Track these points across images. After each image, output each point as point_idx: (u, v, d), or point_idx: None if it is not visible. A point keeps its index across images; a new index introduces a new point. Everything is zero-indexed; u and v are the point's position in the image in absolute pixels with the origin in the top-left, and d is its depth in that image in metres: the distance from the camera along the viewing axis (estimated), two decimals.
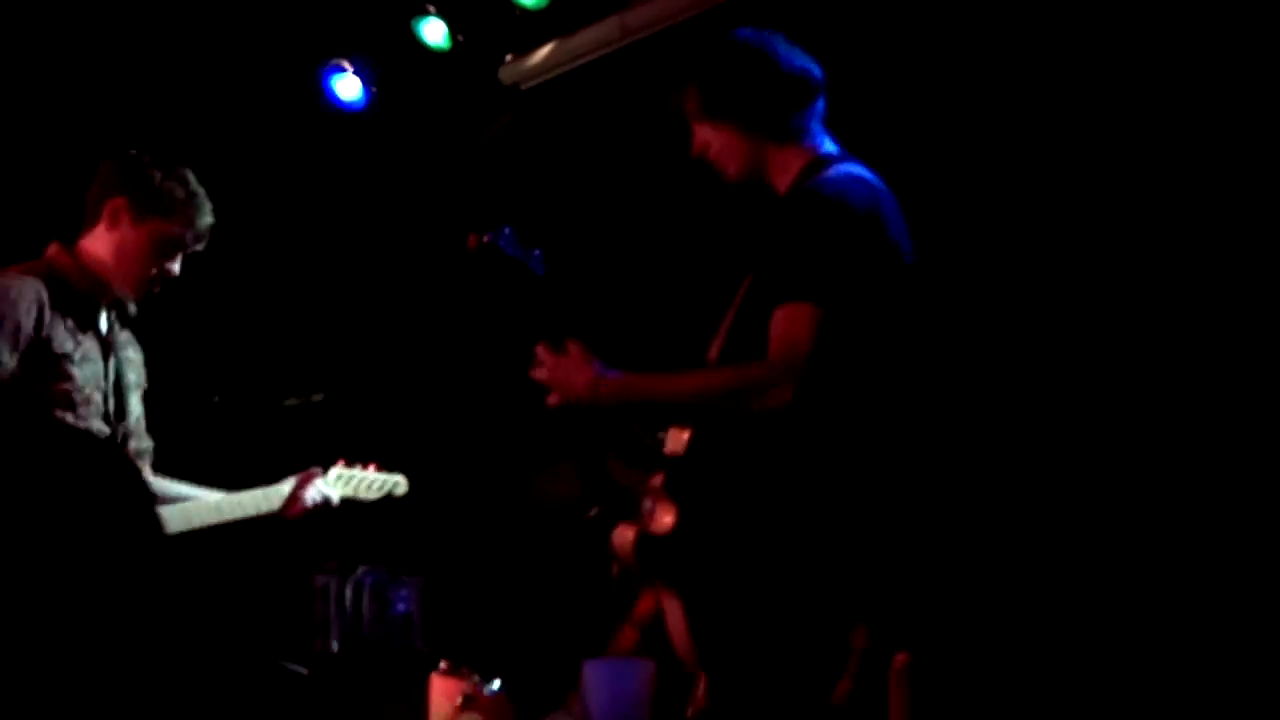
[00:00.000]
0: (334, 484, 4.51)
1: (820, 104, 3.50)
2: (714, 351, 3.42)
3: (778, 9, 5.18)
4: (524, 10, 5.89)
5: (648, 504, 3.32)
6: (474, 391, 6.24)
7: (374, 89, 6.36)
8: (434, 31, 6.11)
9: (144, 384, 4.30)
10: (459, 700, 4.64)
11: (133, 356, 4.26)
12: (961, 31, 4.83)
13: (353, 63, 6.34)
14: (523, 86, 6.15)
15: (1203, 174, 4.38)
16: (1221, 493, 4.23)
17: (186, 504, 4.23)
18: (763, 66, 3.44)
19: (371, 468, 4.62)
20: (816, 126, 3.48)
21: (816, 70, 3.51)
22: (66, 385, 3.93)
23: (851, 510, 3.16)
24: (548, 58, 6.02)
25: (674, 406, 3.32)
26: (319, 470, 4.46)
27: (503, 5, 5.90)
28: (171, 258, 4.11)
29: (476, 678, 4.70)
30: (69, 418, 3.92)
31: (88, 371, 3.99)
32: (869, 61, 4.85)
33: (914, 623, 3.17)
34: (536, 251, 3.63)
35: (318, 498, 4.42)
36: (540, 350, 3.42)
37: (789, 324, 3.13)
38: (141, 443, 4.26)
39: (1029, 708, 4.26)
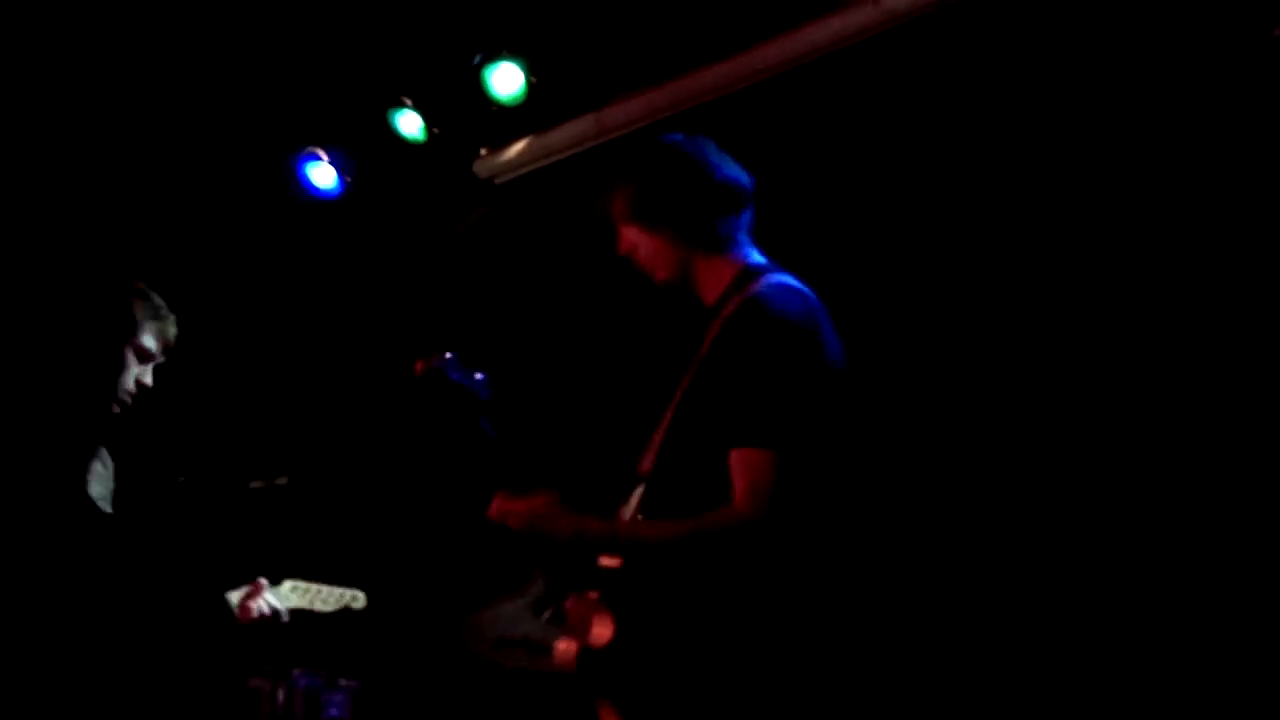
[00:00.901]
0: (288, 596, 4.45)
1: (749, 214, 3.52)
2: (647, 464, 3.42)
3: (752, 113, 5.33)
4: (500, 105, 5.95)
5: (583, 617, 3.32)
6: (420, 496, 6.25)
7: (349, 178, 6.40)
8: (410, 123, 6.18)
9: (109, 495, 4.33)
10: None
11: (106, 467, 4.27)
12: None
13: (328, 151, 6.38)
14: (497, 181, 6.22)
15: (1198, 177, 4.46)
16: (1224, 496, 4.27)
17: None
18: (693, 173, 3.47)
19: (323, 583, 4.59)
20: (744, 237, 3.50)
21: (747, 179, 3.54)
22: None
23: (789, 625, 3.18)
24: (522, 153, 6.09)
25: (646, 553, 3.31)
26: (264, 583, 4.42)
27: (479, 100, 5.96)
28: (142, 368, 4.10)
29: None
30: None
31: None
32: None
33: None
34: (481, 375, 3.65)
35: (265, 609, 4.38)
36: (503, 499, 3.43)
37: (752, 472, 3.15)
38: None
39: None
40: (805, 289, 3.41)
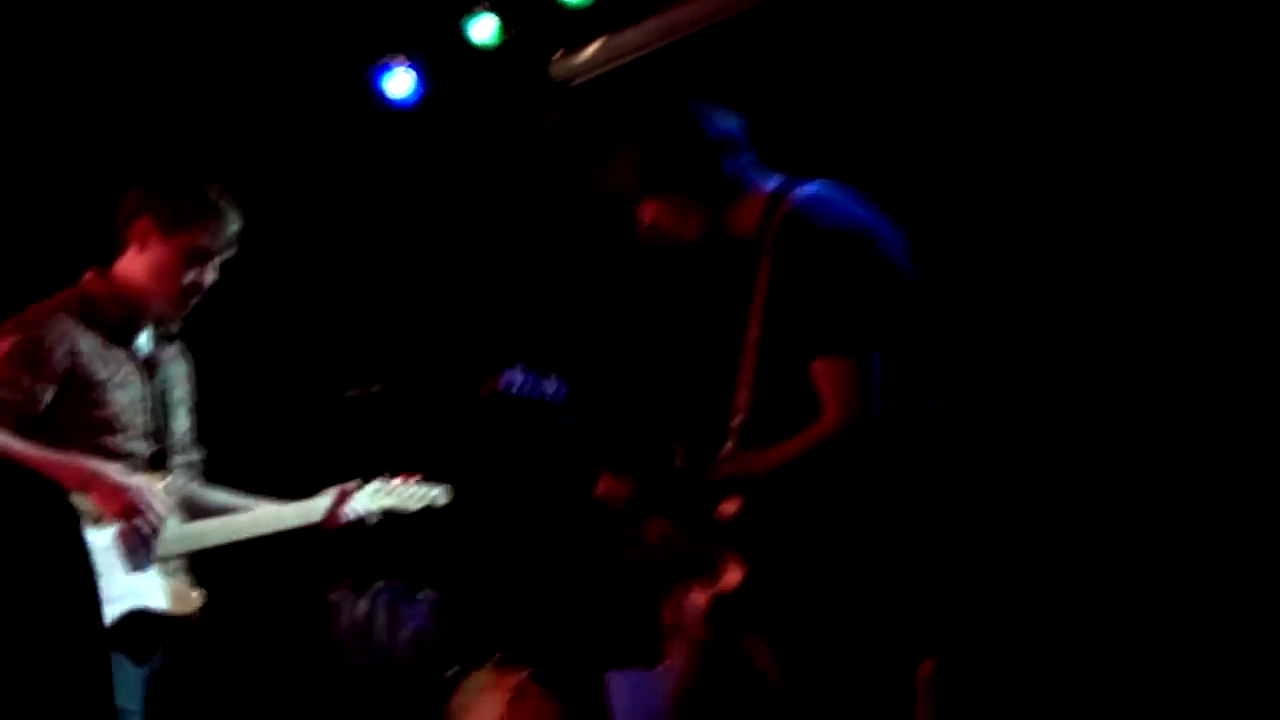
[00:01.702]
0: (373, 497, 4.51)
1: (748, 152, 3.56)
2: (742, 400, 3.48)
3: (818, 7, 5.32)
4: (572, 7, 5.97)
5: (711, 565, 3.40)
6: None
7: (425, 86, 6.45)
8: (484, 29, 6.20)
9: (190, 399, 4.38)
10: (510, 694, 4.74)
11: (177, 372, 4.34)
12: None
13: (404, 60, 6.43)
14: (572, 82, 6.24)
15: (1202, 176, 4.46)
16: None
17: (227, 518, 4.27)
18: (690, 132, 3.50)
19: (414, 479, 4.65)
20: (753, 170, 3.55)
21: (735, 123, 3.58)
22: (107, 411, 4.03)
23: (903, 537, 3.26)
24: (596, 54, 6.10)
25: (763, 486, 3.38)
26: (356, 485, 4.47)
27: (551, 2, 5.98)
28: (203, 268, 4.16)
29: (526, 672, 4.79)
30: (111, 441, 4.02)
31: (127, 395, 4.08)
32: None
33: (941, 629, 3.26)
34: (551, 376, 3.67)
35: (353, 514, 4.43)
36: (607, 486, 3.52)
37: (837, 380, 3.22)
38: (189, 455, 4.35)
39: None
40: (833, 188, 3.48)
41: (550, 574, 6.21)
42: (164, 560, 4.03)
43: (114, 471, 3.94)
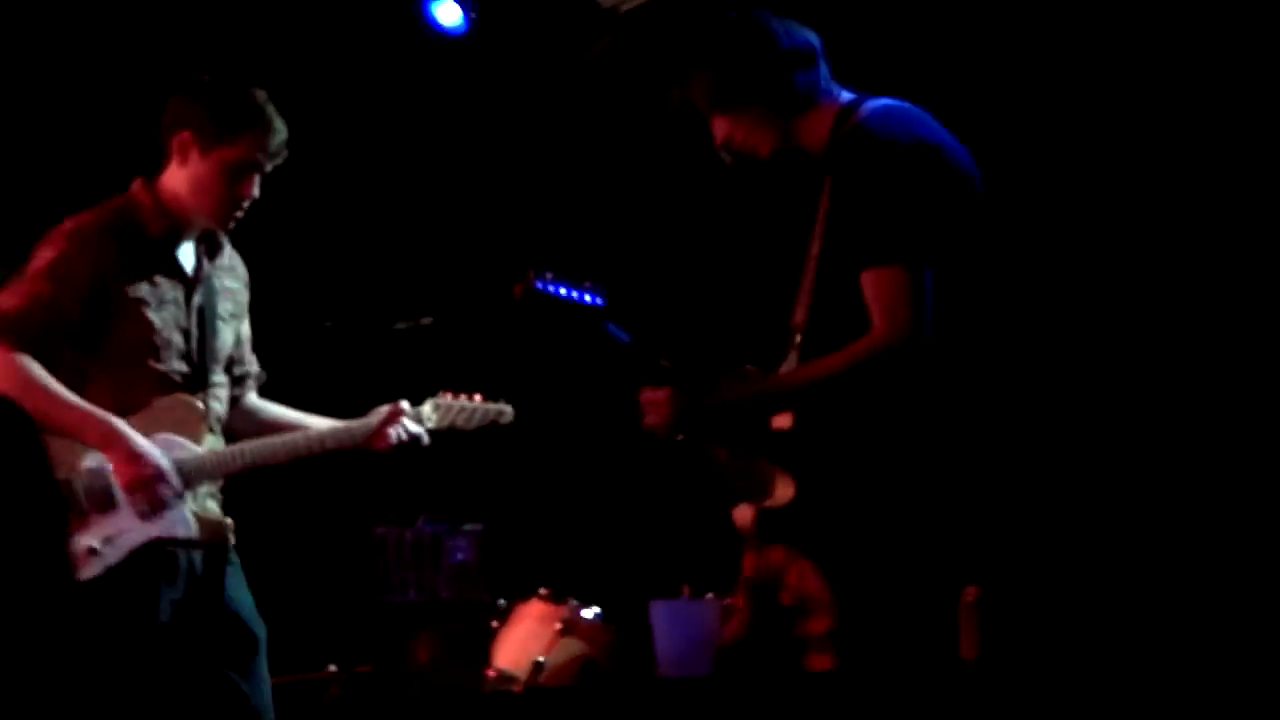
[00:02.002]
0: (430, 416, 4.36)
1: (824, 66, 3.53)
2: (799, 316, 3.46)
3: None
4: None
5: (760, 479, 3.39)
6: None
7: (473, 14, 6.41)
8: None
9: (242, 312, 4.32)
10: (558, 626, 4.74)
11: (229, 285, 4.27)
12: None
13: None
14: (621, 9, 6.18)
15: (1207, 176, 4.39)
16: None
17: (269, 439, 4.19)
18: (765, 46, 3.47)
19: (476, 397, 4.49)
20: (828, 83, 3.52)
21: (813, 35, 3.54)
22: (144, 329, 3.98)
23: (957, 465, 3.23)
24: None
25: (800, 402, 3.36)
26: (405, 405, 4.31)
27: None
28: (246, 181, 4.06)
29: (574, 603, 4.79)
30: (148, 361, 3.98)
31: (166, 314, 4.02)
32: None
33: (983, 557, 3.23)
34: (588, 284, 3.63)
35: (405, 434, 4.28)
36: (646, 396, 3.47)
37: (885, 291, 3.18)
38: (246, 368, 4.32)
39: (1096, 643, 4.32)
40: (906, 104, 3.44)
41: (593, 503, 6.22)
42: (192, 488, 4.02)
43: (136, 438, 3.91)
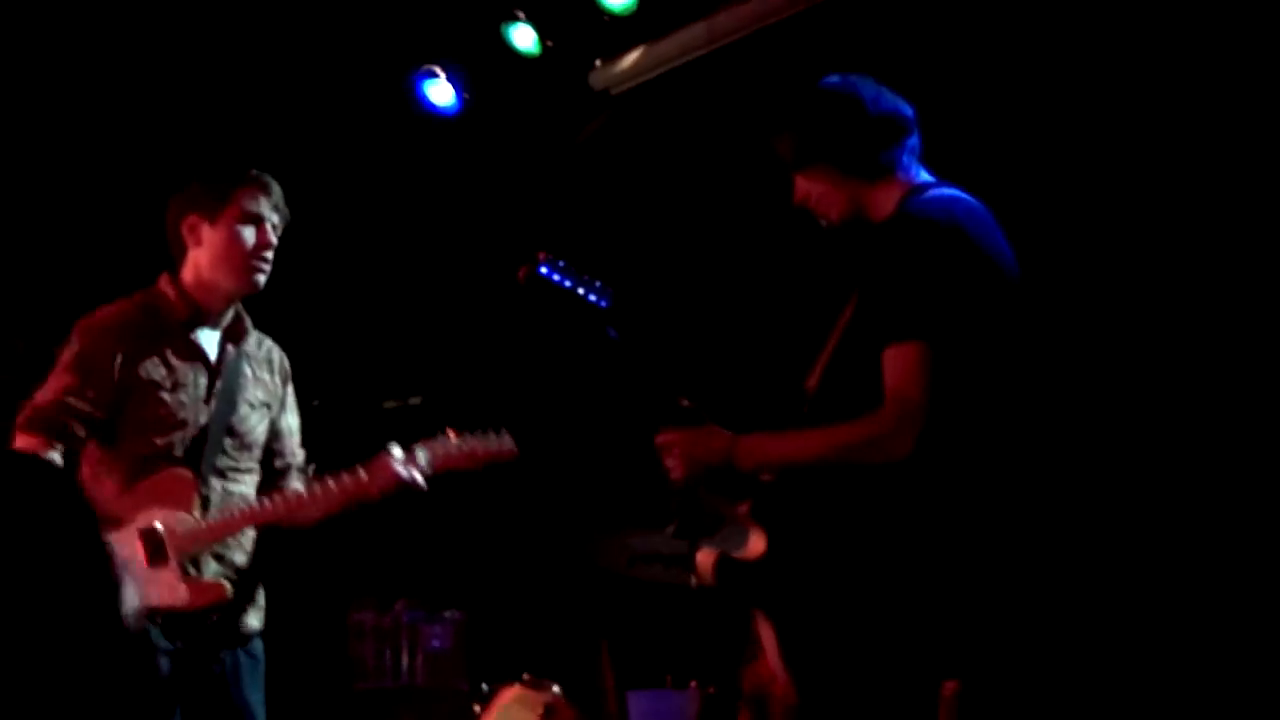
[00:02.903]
0: (423, 461, 4.30)
1: (914, 140, 3.51)
2: (813, 382, 3.44)
3: (859, 12, 5.27)
4: (612, 15, 5.94)
5: (737, 531, 3.35)
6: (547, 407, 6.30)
7: (466, 94, 6.44)
8: (524, 37, 6.19)
9: (274, 400, 4.38)
10: (541, 711, 4.70)
11: (260, 375, 4.37)
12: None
13: (445, 68, 6.42)
14: (613, 91, 6.22)
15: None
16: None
17: (264, 498, 4.19)
18: (850, 111, 3.46)
19: (474, 435, 4.41)
20: (909, 160, 3.49)
21: (906, 108, 3.52)
22: (156, 410, 4.09)
23: (948, 556, 3.17)
24: (637, 63, 6.08)
25: (802, 465, 3.34)
26: (392, 451, 4.27)
27: (591, 11, 5.96)
28: (260, 231, 4.19)
29: (558, 689, 4.74)
30: (158, 439, 4.08)
31: (183, 396, 4.13)
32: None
33: (963, 649, 3.17)
34: (598, 283, 3.61)
35: (398, 479, 4.23)
36: (663, 437, 3.45)
37: (900, 367, 3.14)
38: (287, 459, 4.40)
39: None
40: (967, 197, 3.41)
41: (572, 592, 6.18)
42: (190, 555, 4.06)
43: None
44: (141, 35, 6.12)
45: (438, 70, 6.43)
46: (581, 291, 3.58)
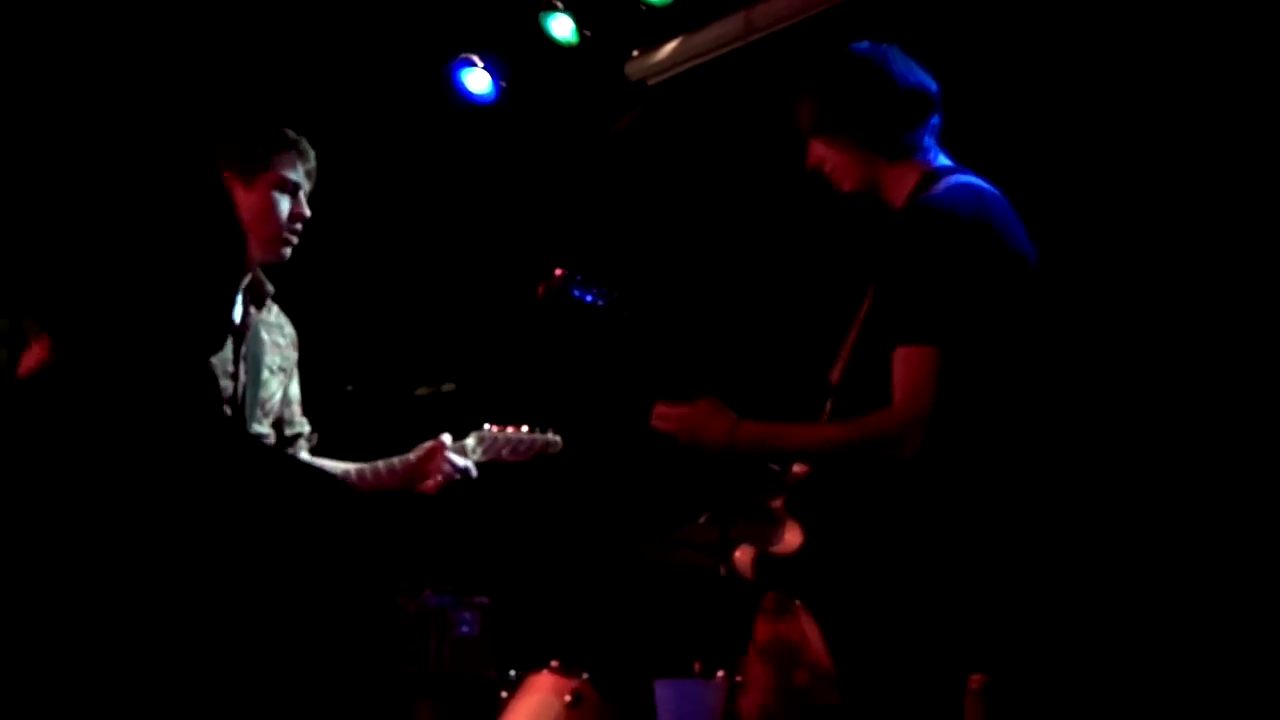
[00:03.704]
0: (474, 449, 4.33)
1: (936, 120, 3.46)
2: (836, 375, 3.42)
3: (900, 7, 5.26)
4: (650, 6, 5.94)
5: (771, 525, 3.35)
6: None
7: (503, 83, 6.46)
8: (562, 27, 6.19)
9: (289, 366, 4.32)
10: (568, 698, 4.70)
11: (277, 340, 4.28)
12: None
13: (482, 57, 6.43)
14: (649, 82, 6.22)
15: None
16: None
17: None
18: (877, 82, 3.42)
19: (524, 428, 4.43)
20: (930, 142, 3.45)
21: (933, 85, 3.48)
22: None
23: (973, 546, 3.17)
24: (674, 53, 6.07)
25: (803, 457, 3.33)
26: (447, 439, 4.29)
27: (629, 1, 5.96)
28: (295, 200, 4.09)
29: (585, 675, 4.74)
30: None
31: (214, 359, 3.95)
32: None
33: (991, 643, 3.16)
34: (610, 291, 3.62)
35: (451, 470, 4.26)
36: (661, 406, 3.43)
37: (911, 370, 3.12)
38: (297, 428, 4.33)
39: None
40: (987, 186, 3.36)
41: (601, 579, 6.19)
42: None
43: None
44: (177, 24, 6.13)
45: (475, 59, 6.44)
46: (597, 302, 3.58)
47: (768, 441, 3.37)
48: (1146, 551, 4.50)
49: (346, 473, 4.26)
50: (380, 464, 4.27)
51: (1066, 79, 4.87)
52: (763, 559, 3.37)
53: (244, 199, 4.02)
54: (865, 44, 3.51)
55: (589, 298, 3.57)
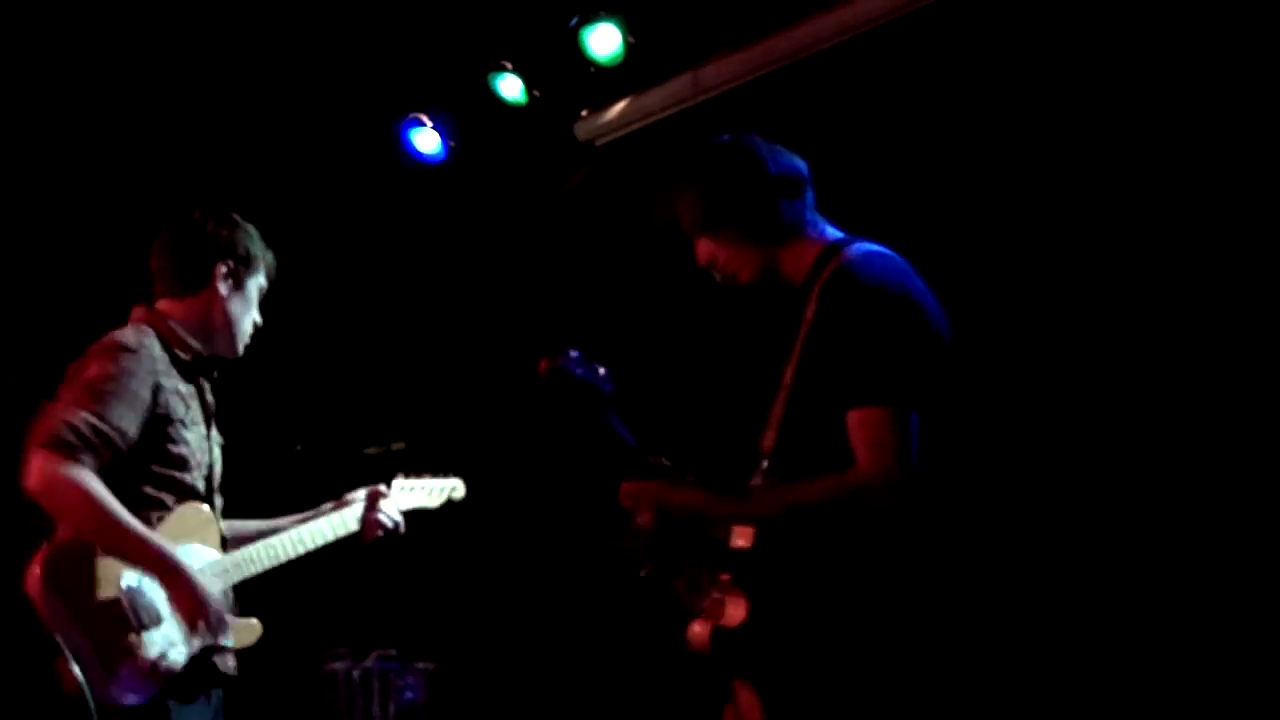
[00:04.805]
0: (399, 497, 4.48)
1: (810, 194, 3.53)
2: (768, 442, 3.45)
3: (844, 65, 5.33)
4: (599, 66, 5.99)
5: (716, 598, 3.35)
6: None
7: (452, 143, 6.48)
8: (511, 87, 6.23)
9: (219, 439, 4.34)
10: None
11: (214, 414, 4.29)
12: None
13: (431, 117, 6.46)
14: (598, 142, 6.26)
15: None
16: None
17: (270, 540, 4.19)
18: (749, 171, 3.47)
19: (426, 476, 4.63)
20: (813, 215, 3.52)
21: (801, 164, 3.54)
22: (180, 449, 3.95)
23: (924, 605, 3.20)
24: (622, 113, 6.12)
25: (774, 521, 3.35)
26: (384, 489, 4.43)
27: (578, 61, 6.00)
28: (259, 307, 4.20)
29: None
30: (180, 478, 3.95)
31: (195, 435, 4.02)
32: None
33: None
34: (604, 370, 3.65)
35: (387, 520, 4.37)
36: (628, 484, 3.47)
37: (872, 430, 3.17)
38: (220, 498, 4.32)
39: None
40: (889, 252, 3.43)
41: (546, 642, 6.18)
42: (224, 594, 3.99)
43: (193, 574, 3.85)
44: (127, 82, 6.14)
45: (424, 119, 6.46)
46: (592, 380, 3.61)
47: (744, 507, 3.39)
48: (1105, 617, 4.55)
49: (300, 530, 4.26)
50: (329, 515, 4.31)
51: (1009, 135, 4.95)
52: (718, 634, 3.37)
53: (233, 293, 4.10)
54: (726, 137, 3.56)
55: (582, 372, 3.60)
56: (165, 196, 6.01)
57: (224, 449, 4.27)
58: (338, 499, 4.43)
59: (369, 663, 5.85)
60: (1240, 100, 4.45)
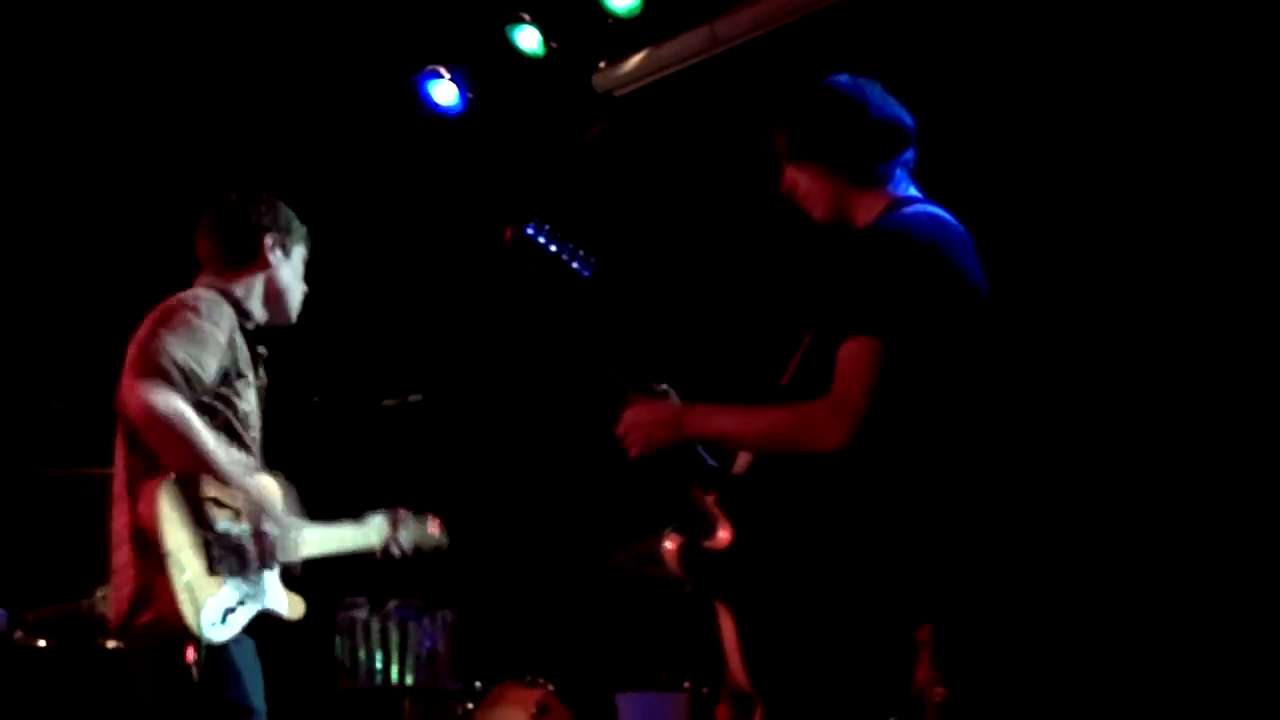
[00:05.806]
0: (406, 529, 4.52)
1: (909, 153, 3.50)
2: (785, 380, 3.45)
3: (862, 19, 5.30)
4: (617, 18, 5.97)
5: (709, 518, 3.36)
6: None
7: (470, 95, 6.48)
8: (528, 39, 6.22)
9: None
10: (534, 709, 4.72)
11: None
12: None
13: (449, 69, 6.45)
14: (615, 93, 6.24)
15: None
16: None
17: (331, 532, 4.28)
18: (851, 112, 3.45)
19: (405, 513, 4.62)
20: (901, 174, 3.49)
21: (908, 120, 3.51)
22: (244, 406, 4.02)
23: (903, 537, 3.19)
24: (640, 65, 6.10)
25: (743, 442, 3.36)
26: (405, 511, 4.49)
27: (596, 13, 5.99)
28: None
29: (551, 688, 4.76)
30: (244, 436, 4.01)
31: (256, 397, 4.10)
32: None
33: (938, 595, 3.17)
34: (581, 252, 3.60)
35: (404, 546, 4.46)
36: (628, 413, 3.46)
37: (848, 359, 3.14)
38: None
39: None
40: (950, 218, 3.40)
41: (566, 591, 6.20)
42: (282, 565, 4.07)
43: (280, 517, 3.99)
44: (143, 44, 6.15)
45: (442, 70, 6.46)
46: (565, 258, 3.56)
47: (712, 419, 3.39)
48: (1086, 571, 4.55)
49: (356, 532, 4.36)
50: (346, 529, 4.36)
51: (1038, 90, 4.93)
52: (689, 549, 3.37)
53: (282, 264, 4.19)
54: (843, 76, 3.56)
55: (553, 247, 3.53)
56: (184, 157, 6.06)
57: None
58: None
59: (388, 612, 5.87)
60: (1239, 97, 4.43)
